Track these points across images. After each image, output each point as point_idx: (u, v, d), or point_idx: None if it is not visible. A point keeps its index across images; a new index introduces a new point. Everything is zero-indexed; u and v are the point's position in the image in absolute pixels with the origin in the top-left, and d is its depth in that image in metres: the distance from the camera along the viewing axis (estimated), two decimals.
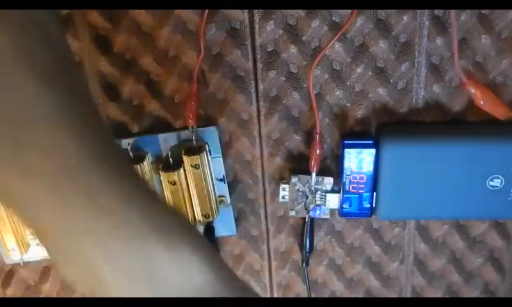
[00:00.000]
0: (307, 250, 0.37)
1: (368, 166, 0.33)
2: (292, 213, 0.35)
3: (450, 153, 0.32)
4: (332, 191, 0.35)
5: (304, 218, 0.36)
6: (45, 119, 0.16)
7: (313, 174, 0.34)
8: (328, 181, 0.34)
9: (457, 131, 0.33)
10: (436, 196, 0.33)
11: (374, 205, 0.34)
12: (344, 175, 0.33)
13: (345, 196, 0.34)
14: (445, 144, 0.32)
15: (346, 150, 0.33)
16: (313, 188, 0.34)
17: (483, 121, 0.34)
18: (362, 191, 0.34)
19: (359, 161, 0.33)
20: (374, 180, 0.33)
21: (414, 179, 0.33)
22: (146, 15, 0.32)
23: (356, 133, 0.35)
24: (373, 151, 0.33)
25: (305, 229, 0.36)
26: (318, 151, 0.34)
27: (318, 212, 0.35)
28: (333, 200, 0.35)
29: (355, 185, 0.33)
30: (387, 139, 0.33)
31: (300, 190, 0.35)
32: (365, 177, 0.33)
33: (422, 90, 0.34)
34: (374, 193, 0.34)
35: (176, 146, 0.34)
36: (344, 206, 0.34)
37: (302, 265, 0.37)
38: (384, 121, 0.34)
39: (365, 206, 0.34)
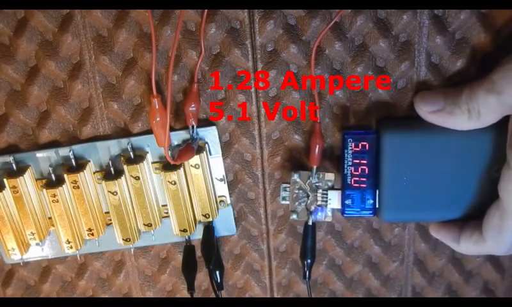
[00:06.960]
0: (309, 257, 0.35)
1: (369, 155, 0.33)
2: (294, 216, 0.35)
3: (452, 143, 0.32)
4: (333, 188, 0.34)
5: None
6: None
7: (314, 167, 0.34)
8: (329, 178, 0.34)
9: None
10: (440, 193, 0.33)
11: (377, 205, 0.33)
12: (345, 166, 0.33)
13: (347, 191, 0.33)
14: (446, 134, 0.31)
15: (347, 138, 0.33)
16: (314, 186, 0.34)
17: None
18: (364, 185, 0.33)
19: (360, 150, 0.33)
20: (376, 177, 0.33)
21: (416, 173, 0.32)
22: (145, 15, 0.32)
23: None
24: (373, 137, 0.32)
25: (306, 236, 0.35)
26: (318, 141, 0.33)
27: (320, 214, 0.35)
28: (335, 199, 0.34)
29: (357, 179, 0.33)
30: (388, 130, 0.32)
31: (301, 187, 0.34)
32: (366, 169, 0.33)
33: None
34: (377, 191, 0.33)
35: (177, 146, 0.34)
36: (346, 202, 0.33)
37: (304, 278, 0.36)
38: None
39: (368, 204, 0.33)
